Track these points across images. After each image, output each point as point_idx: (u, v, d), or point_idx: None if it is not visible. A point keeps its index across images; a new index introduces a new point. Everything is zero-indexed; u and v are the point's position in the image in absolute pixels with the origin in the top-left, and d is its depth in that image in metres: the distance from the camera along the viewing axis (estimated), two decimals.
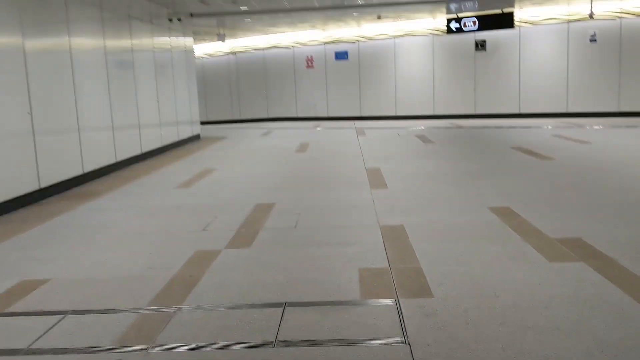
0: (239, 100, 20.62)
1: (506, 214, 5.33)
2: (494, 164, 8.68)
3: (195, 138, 13.92)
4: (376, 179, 7.53)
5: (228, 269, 4.13)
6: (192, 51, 13.93)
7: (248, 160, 10.20)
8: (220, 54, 20.47)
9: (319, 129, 16.33)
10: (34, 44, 6.75)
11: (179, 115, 12.60)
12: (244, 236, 4.96)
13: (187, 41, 13.50)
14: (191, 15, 13.43)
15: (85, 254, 4.67)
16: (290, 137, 14.20)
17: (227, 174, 8.71)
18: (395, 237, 4.74)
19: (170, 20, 11.30)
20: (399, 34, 17.84)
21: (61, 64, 7.51)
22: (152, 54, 11.04)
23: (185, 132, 13.12)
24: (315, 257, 4.30)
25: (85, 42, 8.27)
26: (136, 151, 10.02)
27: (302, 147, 11.55)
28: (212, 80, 20.82)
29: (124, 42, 9.73)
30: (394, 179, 7.49)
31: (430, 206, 5.91)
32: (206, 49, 20.55)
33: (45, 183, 6.91)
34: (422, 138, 12.34)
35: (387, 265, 4.03)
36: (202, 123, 21.06)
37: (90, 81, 8.36)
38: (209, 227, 5.35)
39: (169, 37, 12.11)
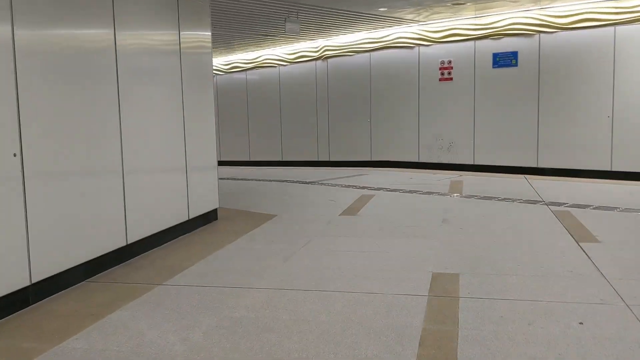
0: (327, 132, 13.21)
1: None
2: None
3: (208, 218, 6.59)
4: None
5: None
6: (207, 51, 6.73)
7: None
8: (305, 58, 13.32)
9: (456, 195, 8.36)
10: None
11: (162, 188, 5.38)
12: None
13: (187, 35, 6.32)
14: None
15: None
16: (403, 224, 6.36)
17: None
18: None
19: None
20: (623, 17, 9.34)
21: None
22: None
23: (174, 215, 5.86)
24: None
25: None
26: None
27: (442, 306, 3.68)
28: (290, 99, 13.70)
29: None
30: None
31: None
32: (284, 52, 13.53)
33: None
34: None
35: None
36: (275, 164, 14.13)
37: None
38: None
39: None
